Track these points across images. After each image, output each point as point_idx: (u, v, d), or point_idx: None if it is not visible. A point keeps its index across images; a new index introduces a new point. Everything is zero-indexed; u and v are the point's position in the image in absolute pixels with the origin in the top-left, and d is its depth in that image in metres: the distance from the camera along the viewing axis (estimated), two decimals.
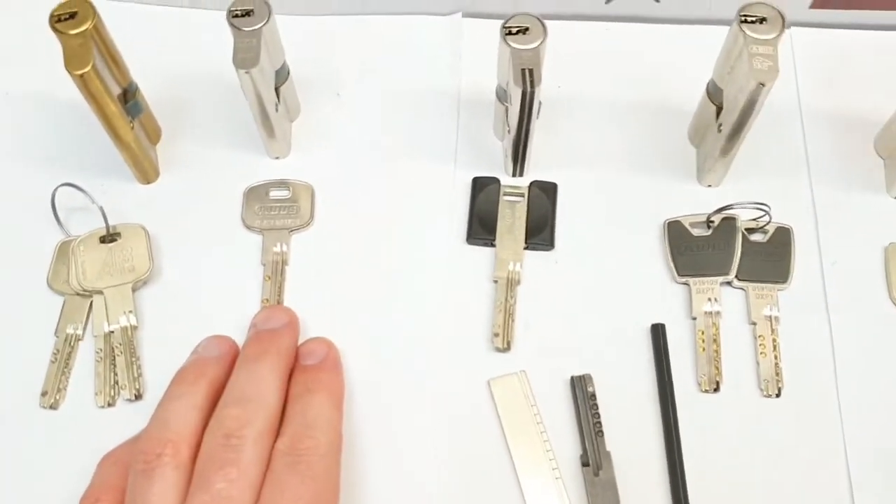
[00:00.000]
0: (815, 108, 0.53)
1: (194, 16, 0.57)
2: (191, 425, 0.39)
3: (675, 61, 0.54)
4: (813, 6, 0.54)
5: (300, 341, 0.45)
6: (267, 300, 0.47)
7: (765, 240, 0.48)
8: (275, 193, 0.51)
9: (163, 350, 0.46)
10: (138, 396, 0.45)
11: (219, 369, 0.42)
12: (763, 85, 0.41)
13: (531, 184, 0.50)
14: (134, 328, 0.46)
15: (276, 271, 0.48)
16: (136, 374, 0.45)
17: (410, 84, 0.55)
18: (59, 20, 0.43)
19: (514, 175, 0.51)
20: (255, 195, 0.50)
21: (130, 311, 0.47)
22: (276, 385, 0.41)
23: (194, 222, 0.50)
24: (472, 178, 0.51)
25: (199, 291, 0.48)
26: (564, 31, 0.56)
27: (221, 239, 0.49)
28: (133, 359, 0.46)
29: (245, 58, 0.44)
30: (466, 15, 0.56)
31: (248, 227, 0.49)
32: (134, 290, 0.47)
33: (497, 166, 0.51)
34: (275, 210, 0.50)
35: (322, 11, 0.57)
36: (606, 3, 0.55)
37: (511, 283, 0.47)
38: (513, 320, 0.46)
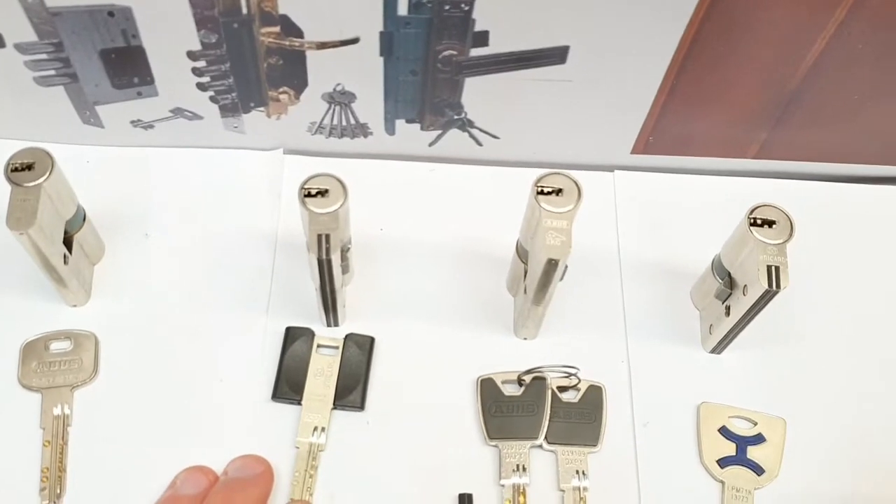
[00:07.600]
0: (635, 256, 0.53)
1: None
2: None
3: (498, 204, 0.53)
4: (634, 151, 0.54)
5: None
6: (47, 469, 0.44)
7: (576, 399, 0.47)
8: (56, 346, 0.47)
9: None
10: None
11: None
12: (555, 261, 0.40)
13: (346, 337, 0.48)
14: None
15: (56, 435, 0.45)
16: None
17: (225, 224, 0.52)
18: None
19: (329, 325, 0.49)
20: (33, 350, 0.47)
21: None
22: None
23: None
24: (285, 327, 0.49)
25: None
26: (389, 172, 0.55)
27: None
28: None
29: (20, 218, 0.41)
30: (288, 152, 0.55)
31: (26, 387, 0.46)
32: None
33: (315, 315, 0.49)
34: (55, 366, 0.46)
35: (139, 143, 0.54)
36: (430, 145, 0.54)
37: (313, 452, 0.45)
38: (311, 494, 0.44)
